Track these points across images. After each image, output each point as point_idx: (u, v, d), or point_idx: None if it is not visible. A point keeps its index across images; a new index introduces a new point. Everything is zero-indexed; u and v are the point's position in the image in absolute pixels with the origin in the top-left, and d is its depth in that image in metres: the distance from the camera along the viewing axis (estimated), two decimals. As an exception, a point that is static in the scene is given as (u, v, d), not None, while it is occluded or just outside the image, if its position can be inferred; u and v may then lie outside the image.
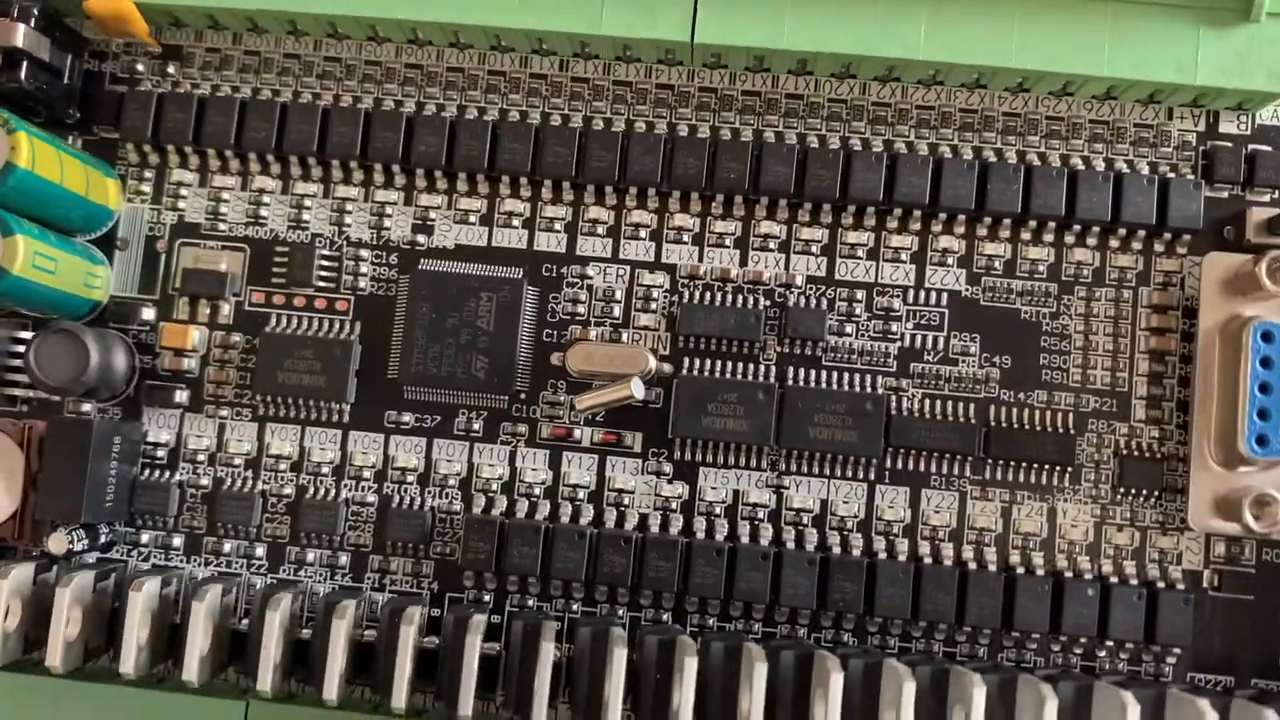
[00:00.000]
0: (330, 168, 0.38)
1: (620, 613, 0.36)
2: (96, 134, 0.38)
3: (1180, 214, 0.35)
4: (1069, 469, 0.36)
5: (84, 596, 0.33)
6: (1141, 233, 0.36)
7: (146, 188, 0.38)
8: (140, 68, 0.38)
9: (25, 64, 0.35)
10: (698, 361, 0.36)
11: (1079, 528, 0.35)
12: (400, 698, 0.32)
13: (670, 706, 0.32)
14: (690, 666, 0.31)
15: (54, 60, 0.36)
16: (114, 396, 0.37)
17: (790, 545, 0.35)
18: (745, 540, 0.35)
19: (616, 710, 0.31)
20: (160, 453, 0.37)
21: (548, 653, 0.32)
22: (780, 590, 0.35)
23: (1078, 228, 0.36)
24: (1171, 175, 0.36)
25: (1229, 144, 0.36)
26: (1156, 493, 0.35)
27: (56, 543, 0.35)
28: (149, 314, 0.38)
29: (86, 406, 0.37)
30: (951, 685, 0.32)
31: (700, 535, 0.36)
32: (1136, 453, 0.36)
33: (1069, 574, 0.35)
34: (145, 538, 0.37)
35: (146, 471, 0.37)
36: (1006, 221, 0.36)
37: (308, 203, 0.38)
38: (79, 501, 0.35)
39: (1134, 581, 0.35)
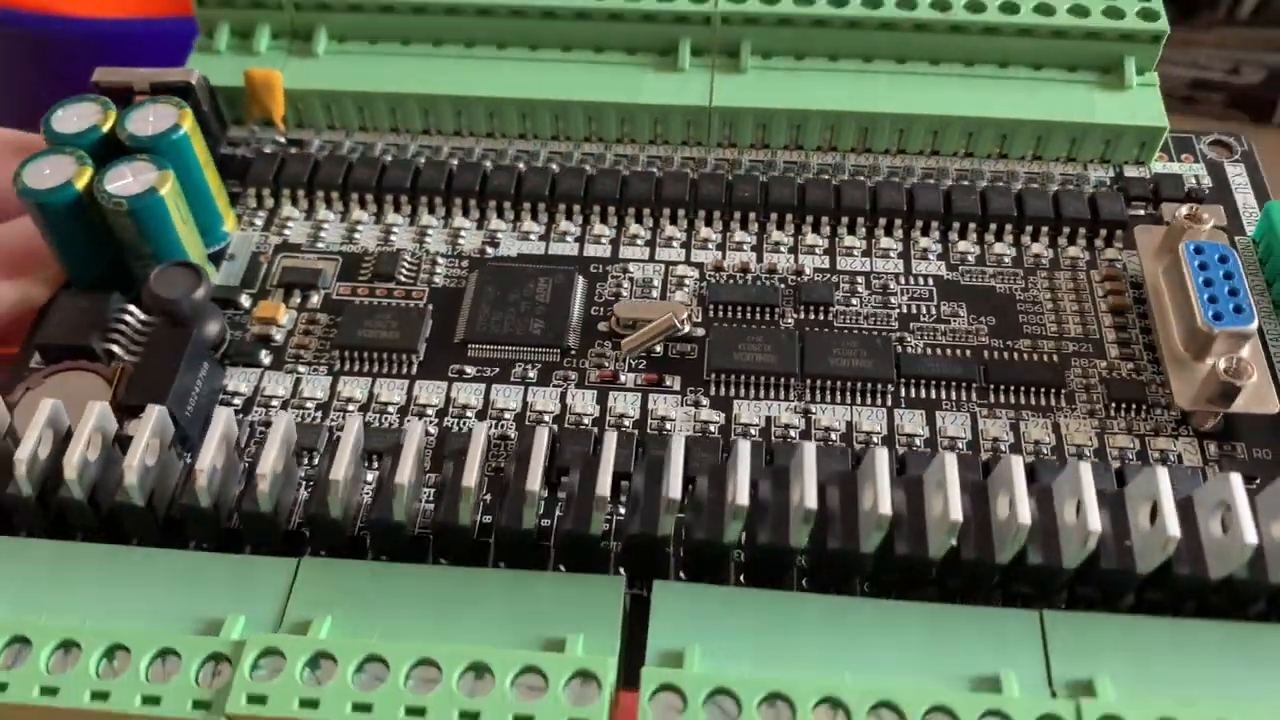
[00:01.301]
0: (418, 204, 0.46)
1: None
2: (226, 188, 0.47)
3: (1108, 212, 0.44)
4: (1063, 390, 0.40)
5: (164, 433, 0.35)
6: (1082, 229, 0.44)
7: (259, 220, 0.46)
8: (267, 151, 0.48)
9: (189, 102, 0.45)
10: (726, 327, 0.42)
11: (1083, 434, 0.39)
12: (472, 476, 0.33)
13: (725, 497, 0.33)
14: (745, 448, 0.33)
15: (208, 114, 0.46)
16: (202, 358, 0.41)
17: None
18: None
19: (677, 478, 0.32)
20: (237, 400, 0.40)
21: (610, 441, 0.34)
22: (818, 476, 0.37)
23: (1030, 227, 0.44)
24: (1092, 191, 0.45)
25: (1134, 181, 0.46)
26: (1144, 406, 0.39)
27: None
28: (246, 301, 0.43)
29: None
30: (993, 479, 0.34)
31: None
32: (1119, 378, 0.40)
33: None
34: (210, 465, 0.39)
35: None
36: (972, 225, 0.44)
37: (395, 229, 0.45)
38: (166, 389, 0.38)
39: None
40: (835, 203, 0.45)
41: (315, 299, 0.43)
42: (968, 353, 0.41)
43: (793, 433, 0.39)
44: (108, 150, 0.41)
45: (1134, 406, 0.39)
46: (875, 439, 0.39)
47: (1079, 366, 0.41)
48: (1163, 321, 0.40)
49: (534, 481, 0.33)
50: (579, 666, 0.30)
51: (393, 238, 0.45)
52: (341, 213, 0.46)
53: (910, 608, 0.34)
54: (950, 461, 0.33)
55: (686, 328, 0.41)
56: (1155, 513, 0.32)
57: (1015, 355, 0.41)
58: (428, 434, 0.39)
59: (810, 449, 0.33)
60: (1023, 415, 0.39)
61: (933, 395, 0.40)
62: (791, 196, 0.45)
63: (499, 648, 0.32)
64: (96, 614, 0.33)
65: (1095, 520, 0.31)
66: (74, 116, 0.42)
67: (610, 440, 0.34)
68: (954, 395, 0.40)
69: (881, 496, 0.32)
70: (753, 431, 0.39)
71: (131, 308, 0.42)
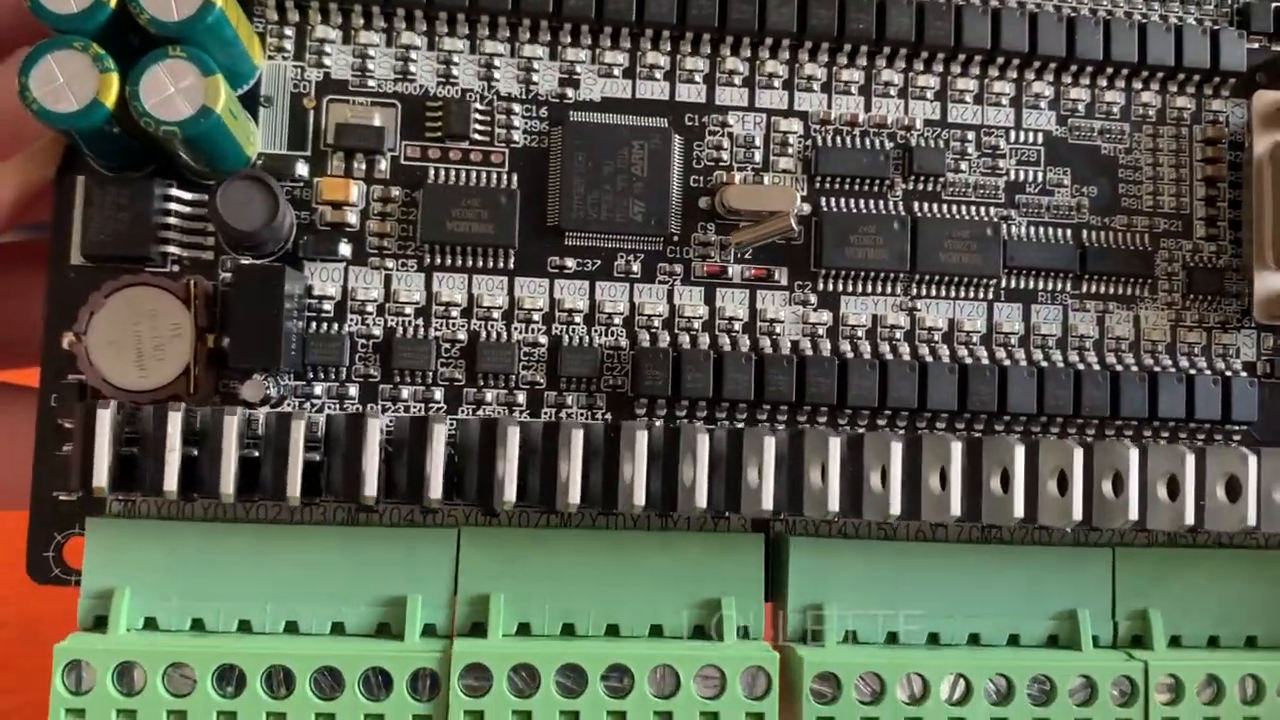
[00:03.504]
0: (477, 24, 0.39)
1: (780, 428, 0.39)
2: (233, -10, 0.38)
3: (1229, 59, 0.42)
4: (1148, 280, 0.41)
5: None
6: (1196, 77, 0.42)
7: (288, 45, 0.38)
8: (270, -76, 0.38)
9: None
10: (834, 200, 0.40)
11: (1159, 329, 0.41)
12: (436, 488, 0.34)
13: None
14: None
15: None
16: (273, 253, 0.37)
17: (929, 360, 0.40)
18: (889, 357, 0.39)
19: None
20: (327, 306, 0.38)
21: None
22: (927, 397, 0.39)
23: (1145, 73, 0.42)
24: (1216, 28, 0.42)
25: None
26: (1218, 297, 0.42)
27: (252, 389, 0.35)
28: (303, 169, 0.38)
29: (246, 262, 0.37)
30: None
31: (849, 355, 0.39)
32: (1200, 264, 0.42)
33: (1156, 369, 0.41)
34: (318, 389, 0.37)
35: (314, 325, 0.37)
36: (1089, 69, 0.41)
37: (455, 59, 0.39)
38: (275, 347, 0.35)
39: (1208, 372, 0.41)
40: (955, 39, 0.40)
41: (383, 164, 0.38)
42: (1068, 234, 0.41)
43: (898, 334, 0.40)
44: (121, 33, 0.33)
45: (1208, 298, 0.41)
46: (975, 339, 0.40)
47: (1166, 248, 0.42)
48: (1258, 210, 0.41)
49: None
50: (752, 663, 0.35)
51: (454, 71, 0.39)
52: (385, 31, 0.39)
53: (1004, 551, 0.39)
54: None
55: (799, 201, 0.39)
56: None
57: (1110, 236, 0.41)
58: (536, 345, 0.38)
59: (770, 444, 0.35)
60: (1109, 308, 0.41)
61: (1031, 285, 0.41)
62: (909, 29, 0.40)
63: (664, 610, 0.36)
64: (271, 598, 0.35)
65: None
66: (62, -19, 0.32)
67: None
68: (1050, 286, 0.41)
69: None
70: (859, 334, 0.40)
71: (177, 193, 0.36)
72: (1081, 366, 0.40)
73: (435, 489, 0.33)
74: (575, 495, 0.34)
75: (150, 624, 0.35)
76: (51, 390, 0.36)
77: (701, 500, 0.34)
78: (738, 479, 0.36)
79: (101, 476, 0.32)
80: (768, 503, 0.34)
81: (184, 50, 0.33)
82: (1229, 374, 0.41)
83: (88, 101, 0.32)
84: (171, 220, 0.36)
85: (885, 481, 0.35)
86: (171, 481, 0.32)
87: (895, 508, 0.35)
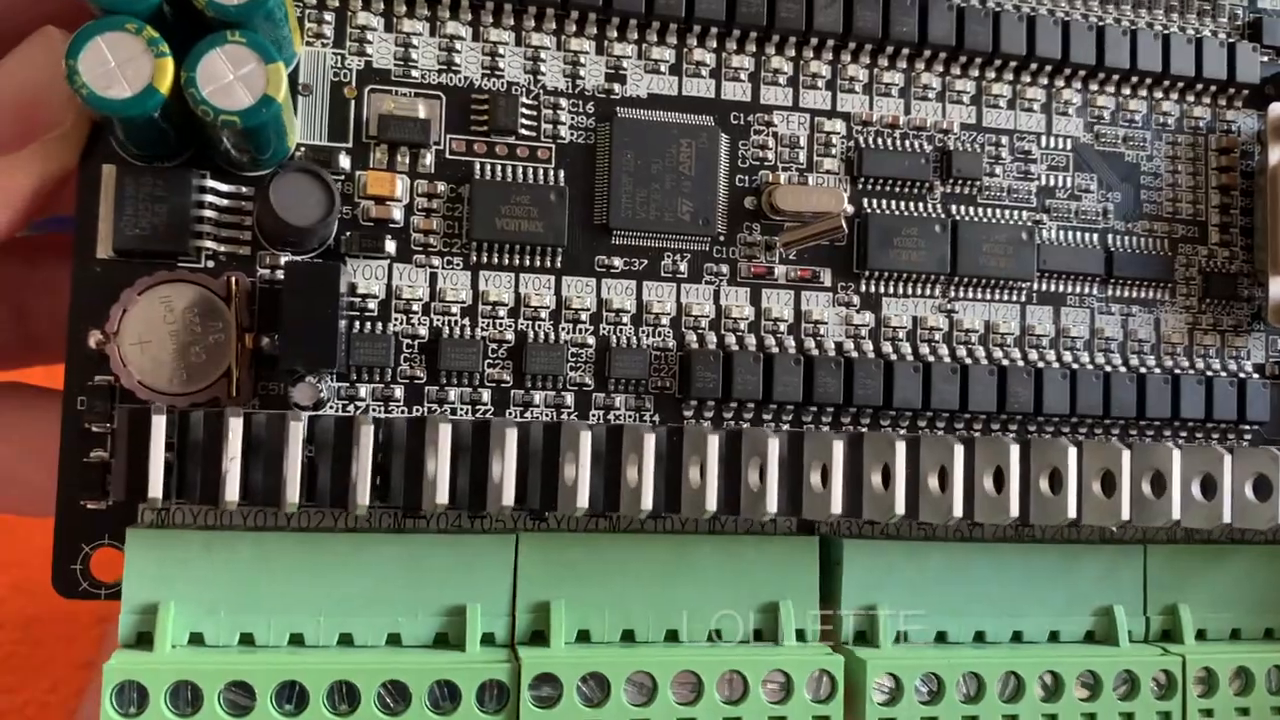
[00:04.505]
0: (523, 15, 0.38)
1: (826, 429, 0.39)
2: (268, -29, 0.36)
3: (1244, 72, 0.43)
4: (1168, 285, 0.43)
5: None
6: (1213, 88, 0.43)
7: (328, 31, 0.36)
8: (308, -98, 0.36)
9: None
10: (876, 202, 0.40)
11: (1178, 333, 0.43)
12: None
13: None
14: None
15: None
16: (313, 248, 0.36)
17: (968, 361, 0.40)
18: (930, 359, 0.40)
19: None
20: (371, 304, 0.36)
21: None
22: (968, 399, 0.39)
23: (1167, 83, 0.43)
24: (1232, 40, 0.43)
25: (1269, 14, 0.44)
26: (1231, 301, 0.43)
27: (305, 393, 0.34)
28: (345, 162, 0.36)
29: (285, 259, 0.35)
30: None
31: (893, 357, 0.39)
32: (1216, 270, 0.43)
33: (1176, 371, 0.42)
34: (363, 391, 0.36)
35: (357, 324, 0.36)
36: (1115, 77, 0.42)
37: (501, 50, 0.38)
38: (330, 348, 0.33)
39: (1223, 374, 0.42)
40: (993, 44, 0.41)
41: (428, 158, 0.37)
42: (1094, 238, 0.42)
43: (937, 335, 0.40)
44: (167, 15, 0.31)
45: (1222, 302, 0.43)
46: (1009, 340, 0.41)
47: (1184, 253, 0.43)
48: (1273, 218, 0.42)
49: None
50: (818, 666, 0.35)
51: (500, 63, 0.38)
52: (429, 20, 0.37)
53: (1043, 549, 0.39)
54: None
55: (847, 202, 0.39)
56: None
57: (1133, 241, 0.42)
58: (584, 346, 0.38)
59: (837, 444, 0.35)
60: (1131, 310, 0.42)
61: (1061, 289, 0.42)
62: (949, 32, 0.40)
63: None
64: (323, 610, 0.34)
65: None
66: (113, -43, 0.30)
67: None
68: (1079, 289, 0.42)
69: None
70: (900, 335, 0.40)
71: (214, 184, 0.35)
72: (1109, 369, 0.41)
73: (508, 497, 0.32)
74: (648, 502, 0.33)
75: (196, 639, 0.33)
76: (77, 393, 0.34)
77: (771, 506, 0.34)
78: (798, 483, 0.35)
79: (157, 487, 0.30)
80: (836, 507, 0.34)
81: (243, 35, 0.31)
82: (1241, 375, 0.42)
83: (142, 87, 0.30)
84: (208, 213, 0.34)
85: (945, 484, 0.35)
86: (233, 492, 0.31)
87: (957, 510, 0.35)
